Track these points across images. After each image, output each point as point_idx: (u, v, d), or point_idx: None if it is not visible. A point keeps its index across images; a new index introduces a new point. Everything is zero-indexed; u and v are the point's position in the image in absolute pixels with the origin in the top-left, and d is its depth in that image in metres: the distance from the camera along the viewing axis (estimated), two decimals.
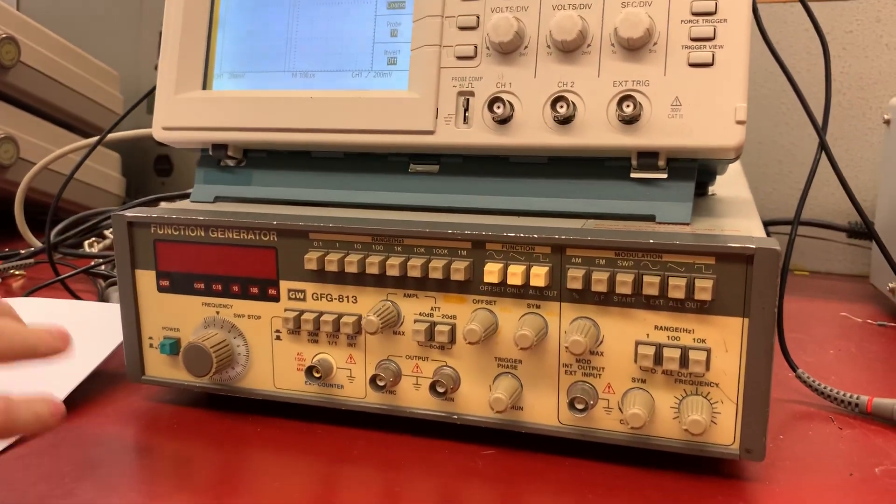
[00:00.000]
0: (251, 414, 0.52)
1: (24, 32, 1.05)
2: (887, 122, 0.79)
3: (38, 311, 0.60)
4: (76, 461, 0.46)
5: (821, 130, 0.54)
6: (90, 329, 0.58)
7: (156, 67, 1.41)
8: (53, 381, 0.53)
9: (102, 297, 0.76)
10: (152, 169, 1.33)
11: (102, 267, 0.83)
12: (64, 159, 0.94)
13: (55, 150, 0.96)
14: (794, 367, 0.55)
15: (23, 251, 0.93)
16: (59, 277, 0.72)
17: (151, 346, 0.53)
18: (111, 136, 0.73)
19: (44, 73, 1.07)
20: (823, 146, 0.54)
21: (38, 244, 0.92)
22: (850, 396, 0.52)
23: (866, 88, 0.94)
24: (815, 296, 0.85)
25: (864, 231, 0.90)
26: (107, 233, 0.99)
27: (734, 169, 0.77)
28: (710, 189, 0.60)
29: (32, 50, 1.05)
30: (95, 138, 0.86)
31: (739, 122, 0.44)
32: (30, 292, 0.75)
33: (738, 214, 0.51)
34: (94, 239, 0.98)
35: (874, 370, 0.62)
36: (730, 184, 0.66)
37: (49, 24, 1.12)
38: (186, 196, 0.63)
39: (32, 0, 1.41)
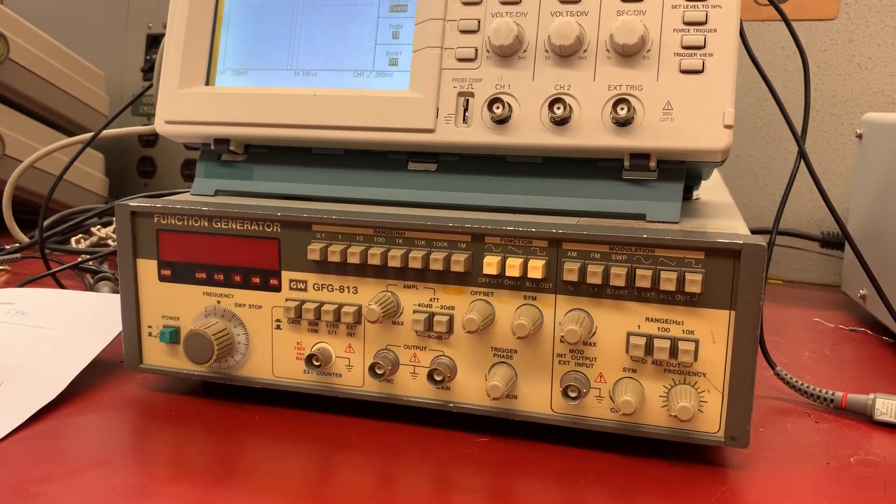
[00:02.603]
0: (248, 402, 0.53)
1: (13, 30, 1.05)
2: (859, 136, 0.82)
3: (41, 301, 0.61)
4: (78, 444, 0.47)
5: (800, 139, 0.57)
6: (89, 319, 0.59)
7: (142, 69, 1.42)
8: (55, 369, 0.53)
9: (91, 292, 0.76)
10: (135, 170, 1.33)
11: (90, 263, 0.83)
12: (47, 157, 0.94)
13: (40, 148, 0.97)
14: (772, 366, 0.57)
15: (7, 247, 0.93)
16: (52, 271, 0.72)
17: (151, 334, 0.54)
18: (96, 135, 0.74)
19: (32, 70, 1.07)
20: (803, 154, 0.57)
21: (25, 240, 0.92)
22: (826, 393, 0.54)
23: (839, 105, 0.97)
24: (789, 303, 0.88)
25: (836, 241, 0.93)
26: (93, 230, 0.99)
27: (715, 177, 0.79)
28: (695, 194, 0.63)
29: (21, 47, 1.05)
30: (82, 136, 0.87)
31: (727, 126, 0.46)
32: (21, 284, 0.76)
33: (723, 216, 0.53)
34: (80, 235, 0.98)
35: (847, 370, 0.64)
36: (712, 190, 0.69)
37: (34, 23, 1.12)
38: (175, 195, 0.64)
39: None
